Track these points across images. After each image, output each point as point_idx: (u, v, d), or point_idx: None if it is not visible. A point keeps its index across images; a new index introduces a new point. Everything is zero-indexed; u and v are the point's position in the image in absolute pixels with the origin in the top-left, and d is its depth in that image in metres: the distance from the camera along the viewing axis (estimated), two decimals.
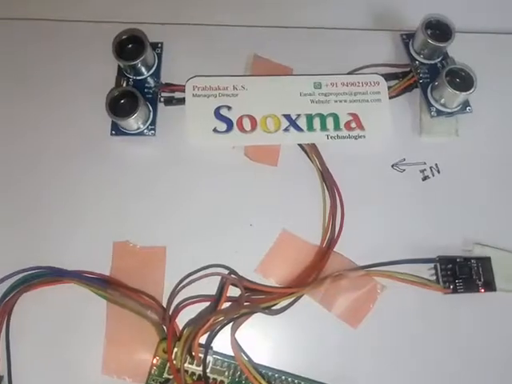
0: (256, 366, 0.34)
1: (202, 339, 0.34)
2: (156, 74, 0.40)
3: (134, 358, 0.34)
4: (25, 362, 0.34)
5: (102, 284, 0.35)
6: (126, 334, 0.35)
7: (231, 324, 0.34)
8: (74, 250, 0.36)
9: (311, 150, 0.39)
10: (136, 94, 0.37)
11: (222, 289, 0.34)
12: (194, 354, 0.32)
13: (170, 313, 0.34)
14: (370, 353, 0.35)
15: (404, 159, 0.39)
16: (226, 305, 0.35)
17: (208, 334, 0.34)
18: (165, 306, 0.35)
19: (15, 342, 0.34)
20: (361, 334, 0.36)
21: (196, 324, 0.33)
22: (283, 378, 0.34)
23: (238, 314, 0.33)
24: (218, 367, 0.33)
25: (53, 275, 0.35)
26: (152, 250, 0.37)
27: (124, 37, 0.38)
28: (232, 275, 0.35)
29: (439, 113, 0.39)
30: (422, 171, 0.39)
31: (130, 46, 0.38)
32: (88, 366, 0.34)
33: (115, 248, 0.37)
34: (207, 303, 0.35)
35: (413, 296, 0.36)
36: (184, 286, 0.35)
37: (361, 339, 0.36)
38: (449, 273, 0.36)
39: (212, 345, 0.34)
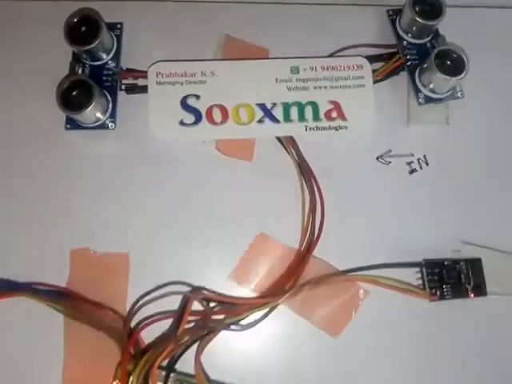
0: None
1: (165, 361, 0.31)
2: (115, 59, 0.35)
3: (96, 377, 0.31)
4: None
5: (58, 297, 0.32)
6: (87, 351, 0.32)
7: (198, 343, 0.31)
8: (26, 258, 0.33)
9: (289, 143, 0.35)
10: (90, 83, 0.33)
11: (183, 309, 0.31)
12: (151, 382, 0.29)
13: (129, 330, 0.31)
14: (352, 364, 0.33)
15: (390, 151, 0.36)
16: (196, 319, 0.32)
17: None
18: (124, 321, 0.32)
19: None
20: (342, 343, 0.33)
21: (155, 349, 0.30)
22: None
23: (202, 333, 0.30)
24: None
25: (4, 288, 0.32)
26: (114, 257, 0.34)
27: (75, 19, 0.33)
28: (194, 292, 0.32)
29: (428, 99, 0.36)
30: (409, 164, 0.36)
31: (84, 28, 0.34)
32: None
33: (72, 256, 0.33)
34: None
35: (398, 302, 0.33)
36: (144, 304, 0.32)
37: (342, 349, 0.33)
38: (435, 277, 0.33)
39: (176, 366, 0.31)
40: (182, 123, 0.34)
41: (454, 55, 0.35)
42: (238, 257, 0.34)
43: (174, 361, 0.31)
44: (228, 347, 0.32)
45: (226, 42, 0.36)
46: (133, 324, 0.32)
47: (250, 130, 0.35)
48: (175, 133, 0.34)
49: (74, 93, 0.33)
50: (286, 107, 0.35)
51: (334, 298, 0.34)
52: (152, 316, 0.32)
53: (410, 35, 0.37)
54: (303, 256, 0.34)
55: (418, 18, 0.35)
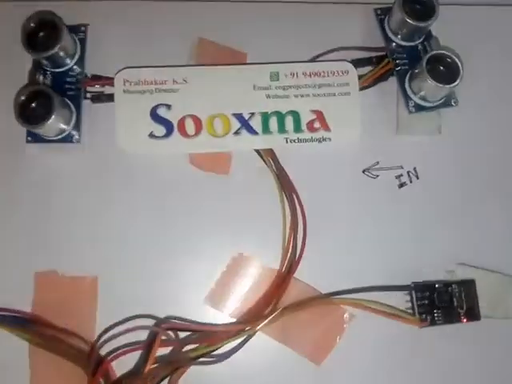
0: None
1: None
2: (80, 64, 0.33)
3: None
4: None
5: (22, 323, 0.30)
6: (54, 380, 0.30)
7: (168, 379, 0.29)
8: None
9: (268, 156, 0.33)
10: (49, 93, 0.30)
11: (150, 344, 0.29)
12: None
13: (96, 364, 0.29)
14: None
15: (377, 163, 0.34)
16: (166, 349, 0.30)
17: None
18: (90, 353, 0.30)
19: None
20: (326, 371, 0.31)
21: None
22: None
23: (172, 369, 0.28)
24: None
25: None
26: (82, 281, 0.31)
27: (33, 24, 0.31)
28: (162, 324, 0.30)
29: (418, 108, 0.33)
30: (399, 177, 0.34)
31: (43, 32, 0.31)
32: None
33: (37, 279, 0.31)
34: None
35: (385, 328, 0.31)
36: (108, 339, 0.30)
37: (326, 377, 0.31)
38: (426, 302, 0.31)
39: None
40: (152, 136, 0.32)
41: (448, 60, 0.32)
42: (214, 279, 0.32)
43: None
44: (201, 381, 0.30)
45: (200, 45, 0.34)
46: (103, 352, 0.30)
47: (225, 142, 0.32)
48: (145, 146, 0.32)
49: (34, 104, 0.31)
50: (265, 117, 0.32)
51: (317, 323, 0.32)
52: (122, 347, 0.30)
53: (399, 37, 0.34)
54: (284, 278, 0.32)
55: (408, 19, 0.32)
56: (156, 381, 0.28)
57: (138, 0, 0.34)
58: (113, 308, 0.31)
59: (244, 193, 0.33)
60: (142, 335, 0.30)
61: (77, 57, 0.33)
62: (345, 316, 0.32)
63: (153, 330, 0.29)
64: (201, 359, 0.29)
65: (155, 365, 0.28)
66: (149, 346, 0.29)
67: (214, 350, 0.30)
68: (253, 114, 0.32)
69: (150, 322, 0.31)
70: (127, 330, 0.30)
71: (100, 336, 0.30)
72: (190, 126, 0.32)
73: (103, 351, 0.30)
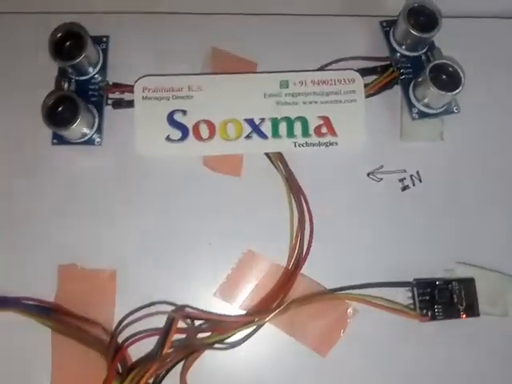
0: None
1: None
2: (102, 73, 0.35)
3: None
4: None
5: (46, 312, 0.32)
6: (74, 366, 0.32)
7: (183, 362, 0.31)
8: (15, 274, 0.33)
9: (277, 159, 0.35)
10: (75, 99, 0.32)
11: (168, 328, 0.31)
12: None
13: (115, 348, 0.31)
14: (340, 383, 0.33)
15: (381, 166, 0.35)
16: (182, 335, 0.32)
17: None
18: (110, 338, 0.32)
19: None
20: (330, 363, 0.33)
21: (140, 368, 0.30)
22: None
23: (187, 353, 0.30)
24: None
25: None
26: (101, 273, 0.33)
27: (60, 34, 0.33)
28: (179, 311, 0.32)
29: (422, 114, 0.35)
30: (402, 180, 0.35)
31: (69, 42, 0.34)
32: None
33: (60, 272, 0.33)
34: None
35: (387, 322, 0.33)
36: (129, 323, 0.32)
37: (330, 369, 0.33)
38: (427, 298, 0.33)
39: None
40: (168, 139, 0.34)
41: (450, 69, 0.34)
42: (225, 274, 0.33)
43: (159, 380, 0.31)
44: (214, 366, 0.32)
45: (214, 55, 0.36)
46: (120, 340, 0.32)
47: (237, 145, 0.34)
48: (162, 149, 0.34)
49: (60, 108, 0.33)
50: (275, 123, 0.34)
51: (321, 317, 0.33)
52: (138, 333, 0.32)
53: (404, 47, 0.36)
54: (291, 274, 0.33)
55: (412, 31, 0.34)
56: (172, 364, 0.30)
57: (156, 13, 0.36)
58: (130, 299, 0.33)
59: (254, 194, 0.35)
60: (157, 323, 0.32)
61: (99, 66, 0.35)
62: (348, 311, 0.33)
63: (170, 316, 0.31)
64: (214, 346, 0.31)
65: (171, 349, 0.30)
66: (165, 332, 0.30)
67: (226, 338, 0.32)
68: (263, 119, 0.34)
69: (167, 309, 0.32)
70: (146, 315, 0.31)
71: (119, 323, 0.32)
72: (204, 131, 0.34)
73: (121, 338, 0.32)
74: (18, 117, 0.35)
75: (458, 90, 0.33)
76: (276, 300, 0.33)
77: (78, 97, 0.33)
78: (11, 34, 0.36)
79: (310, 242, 0.34)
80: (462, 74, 0.33)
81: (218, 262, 0.34)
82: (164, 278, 0.33)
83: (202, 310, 0.33)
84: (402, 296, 0.33)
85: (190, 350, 0.30)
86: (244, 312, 0.33)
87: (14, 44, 0.36)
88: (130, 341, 0.31)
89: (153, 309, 0.32)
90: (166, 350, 0.30)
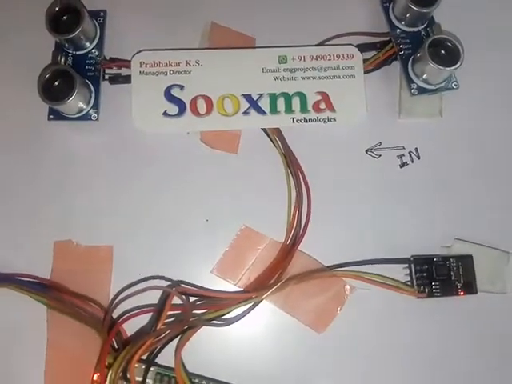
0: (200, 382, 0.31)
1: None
2: (98, 48, 0.35)
3: (79, 369, 0.31)
4: None
5: (42, 288, 0.32)
6: (70, 343, 0.32)
7: (178, 338, 0.30)
8: (10, 250, 0.33)
9: (275, 135, 0.34)
10: (72, 73, 0.32)
11: (163, 304, 0.30)
12: (129, 376, 0.29)
13: (110, 324, 0.31)
14: (336, 360, 0.32)
15: (380, 143, 0.35)
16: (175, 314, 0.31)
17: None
18: (104, 314, 0.32)
19: None
20: (326, 339, 0.33)
21: (133, 344, 0.30)
22: None
23: (182, 328, 0.30)
24: None
25: None
26: (97, 250, 0.33)
27: (57, 8, 0.33)
28: (174, 286, 0.32)
29: (421, 90, 0.34)
30: (400, 157, 0.35)
31: (66, 16, 0.33)
32: (29, 377, 0.32)
33: (56, 248, 0.33)
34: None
35: (384, 299, 0.33)
36: (124, 298, 0.32)
37: (327, 345, 0.33)
38: (424, 274, 0.32)
39: (157, 360, 0.31)
40: (165, 114, 0.34)
41: (449, 44, 0.33)
42: (222, 250, 0.33)
43: (154, 355, 0.31)
44: (210, 342, 0.32)
45: (212, 30, 0.35)
46: (115, 316, 0.32)
47: (235, 121, 0.34)
48: (159, 124, 0.34)
49: (57, 83, 0.33)
50: (273, 98, 0.34)
51: (319, 294, 0.33)
52: (133, 309, 0.32)
53: (403, 23, 0.35)
54: (288, 250, 0.33)
55: (412, 5, 0.34)
56: (166, 339, 0.30)
57: None
58: (126, 276, 0.33)
59: (252, 170, 0.34)
60: (152, 299, 0.32)
61: (96, 40, 0.35)
62: (346, 288, 0.33)
63: (165, 291, 0.31)
64: (211, 322, 0.31)
65: (165, 325, 0.30)
66: (160, 307, 0.30)
67: (223, 315, 0.31)
68: (261, 94, 0.34)
69: (162, 285, 0.32)
70: (141, 290, 0.31)
71: (114, 298, 0.32)
72: (201, 106, 0.34)
73: (117, 313, 0.32)
74: (14, 93, 0.35)
75: (456, 66, 0.33)
76: (273, 277, 0.33)
77: (74, 71, 0.32)
78: (10, 8, 0.35)
79: (307, 218, 0.34)
80: (461, 50, 0.33)
81: (215, 239, 0.33)
82: (160, 255, 0.33)
83: (198, 287, 0.32)
84: (399, 273, 0.33)
85: (185, 326, 0.30)
86: (241, 289, 0.33)
87: (13, 18, 0.35)
88: (125, 316, 0.31)
89: (147, 284, 0.32)
90: (160, 326, 0.30)
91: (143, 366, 0.30)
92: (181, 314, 0.31)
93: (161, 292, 0.32)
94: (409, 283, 0.33)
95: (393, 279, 0.33)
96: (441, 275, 0.32)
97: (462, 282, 0.33)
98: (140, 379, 0.30)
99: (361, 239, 0.34)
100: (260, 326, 0.33)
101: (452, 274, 0.33)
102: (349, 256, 0.33)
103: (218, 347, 0.32)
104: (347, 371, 0.32)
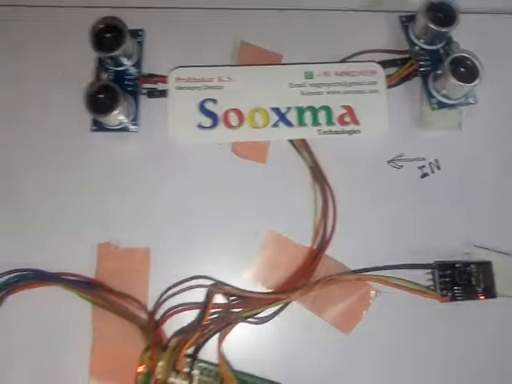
0: (242, 378, 0.32)
1: (189, 350, 0.33)
2: (137, 64, 0.37)
3: (122, 362, 0.33)
4: (11, 366, 0.33)
5: (87, 287, 0.34)
6: (113, 337, 0.34)
7: (218, 334, 0.32)
8: (59, 251, 0.35)
9: (302, 146, 0.36)
10: (115, 88, 0.34)
11: (207, 301, 0.33)
12: (179, 368, 0.31)
13: (156, 320, 0.33)
14: (362, 361, 0.34)
15: (402, 155, 0.37)
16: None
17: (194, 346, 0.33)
18: (151, 311, 0.34)
19: (0, 345, 0.33)
20: (353, 340, 0.34)
21: (182, 337, 0.32)
22: None
23: (223, 324, 0.32)
24: (204, 377, 0.32)
25: (37, 278, 0.34)
26: (135, 252, 0.35)
27: (101, 26, 0.35)
28: (217, 286, 0.34)
29: (441, 105, 0.36)
30: (421, 168, 0.37)
31: (108, 35, 0.36)
32: (74, 369, 0.33)
33: (99, 250, 0.35)
34: (194, 311, 0.34)
35: (408, 303, 0.34)
36: (170, 296, 0.34)
37: (353, 346, 0.34)
38: (447, 279, 0.34)
39: (199, 354, 0.33)
40: (199, 126, 0.36)
41: (468, 62, 0.35)
42: (253, 254, 0.35)
43: (197, 349, 0.33)
44: (244, 339, 0.34)
45: (242, 48, 0.38)
46: (160, 312, 0.34)
47: (264, 133, 0.36)
48: (193, 136, 0.36)
49: (101, 96, 0.35)
50: (300, 111, 0.36)
51: (345, 297, 0.34)
52: (176, 307, 0.34)
53: (422, 41, 0.37)
54: (315, 255, 0.35)
55: (431, 25, 0.36)
56: (210, 334, 0.32)
57: (188, 9, 0.39)
58: (163, 277, 0.34)
59: (279, 179, 0.36)
60: (191, 299, 0.34)
61: (135, 57, 0.37)
62: (371, 292, 0.35)
63: (209, 290, 0.33)
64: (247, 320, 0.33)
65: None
66: (204, 304, 0.33)
67: (257, 313, 0.33)
68: (289, 108, 0.36)
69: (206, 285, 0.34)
70: (187, 288, 0.34)
71: (161, 296, 0.34)
72: (233, 119, 0.36)
73: (161, 311, 0.34)
74: (61, 105, 0.37)
75: (475, 82, 0.35)
76: (301, 280, 0.34)
77: (117, 86, 0.35)
78: (54, 26, 0.38)
79: (333, 224, 0.35)
80: (479, 67, 0.35)
81: (246, 244, 0.35)
82: (195, 258, 0.35)
83: (232, 287, 0.34)
84: (422, 278, 0.35)
85: (225, 323, 0.32)
86: (271, 291, 0.35)
87: (57, 36, 0.38)
88: (171, 312, 0.33)
89: (192, 282, 0.34)
90: (205, 322, 0.32)
91: (188, 360, 0.32)
92: (221, 311, 0.33)
93: (200, 293, 0.34)
94: (432, 287, 0.34)
95: (416, 283, 0.34)
96: (462, 280, 0.34)
97: (482, 286, 0.34)
98: (187, 370, 0.32)
99: (385, 246, 0.35)
100: (289, 325, 0.34)
101: (473, 279, 0.34)
102: (373, 261, 0.35)
103: (251, 343, 0.34)
104: (371, 370, 0.34)
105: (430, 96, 0.36)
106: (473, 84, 0.35)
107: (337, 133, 0.36)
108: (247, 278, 0.35)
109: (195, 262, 0.35)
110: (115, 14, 0.36)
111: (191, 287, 0.34)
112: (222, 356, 0.32)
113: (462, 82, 0.35)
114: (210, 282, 0.34)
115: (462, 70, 0.36)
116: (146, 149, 0.37)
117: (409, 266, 0.35)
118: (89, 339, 0.33)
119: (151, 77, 0.37)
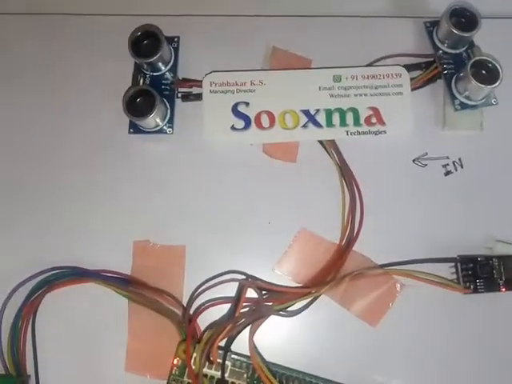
0: (273, 369, 0.34)
1: (221, 342, 0.34)
2: (173, 70, 0.39)
3: (156, 356, 0.35)
4: (51, 361, 0.35)
5: (124, 283, 0.36)
6: (148, 332, 0.36)
7: (249, 326, 0.34)
8: (96, 249, 0.37)
9: (330, 146, 0.38)
10: (153, 92, 0.36)
11: (239, 294, 0.34)
12: (212, 359, 0.33)
13: (190, 314, 0.35)
14: (388, 352, 0.36)
15: (426, 153, 0.38)
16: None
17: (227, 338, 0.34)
18: (185, 306, 0.36)
19: (41, 341, 0.35)
20: (380, 332, 0.36)
21: (215, 329, 0.34)
22: (301, 377, 0.34)
23: (255, 317, 0.34)
24: (236, 369, 0.34)
25: (76, 275, 0.36)
26: (171, 249, 0.37)
27: (139, 33, 0.37)
28: (249, 280, 0.36)
29: (463, 106, 0.38)
30: (445, 166, 0.38)
31: (145, 41, 0.38)
32: (111, 363, 0.35)
33: (135, 247, 0.37)
34: (226, 305, 0.35)
35: (432, 295, 0.36)
36: (203, 290, 0.36)
37: (379, 338, 0.36)
38: (469, 272, 0.36)
39: (231, 346, 0.35)
40: (233, 128, 0.38)
41: (489, 65, 0.37)
42: (283, 250, 0.37)
43: (230, 341, 0.35)
44: (275, 331, 0.36)
45: (273, 53, 0.40)
46: (195, 305, 0.36)
47: (295, 134, 0.38)
48: (227, 137, 0.38)
49: (138, 100, 0.37)
50: (329, 113, 0.38)
51: (372, 290, 0.36)
52: (209, 301, 0.35)
53: (446, 45, 0.39)
54: (343, 251, 0.37)
55: (454, 30, 0.37)
56: (242, 326, 0.34)
57: (221, 16, 0.40)
58: (197, 273, 0.36)
59: (309, 178, 0.38)
60: (224, 293, 0.36)
61: (171, 63, 0.39)
62: (397, 285, 0.36)
63: (241, 284, 0.35)
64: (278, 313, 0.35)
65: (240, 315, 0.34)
66: (237, 298, 0.34)
67: (287, 307, 0.35)
68: (318, 110, 0.38)
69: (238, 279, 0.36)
70: (220, 282, 0.35)
71: (195, 290, 0.36)
72: (265, 120, 0.38)
73: (194, 305, 0.36)
74: (99, 109, 0.39)
75: (496, 84, 0.36)
76: (330, 274, 0.36)
77: (154, 90, 0.37)
78: (94, 34, 0.40)
79: (360, 222, 0.37)
80: (500, 69, 0.36)
81: (276, 240, 0.37)
82: (227, 254, 0.37)
83: (264, 281, 0.36)
84: (446, 272, 0.36)
85: (257, 315, 0.34)
86: (300, 285, 0.36)
87: (95, 43, 0.40)
88: (205, 306, 0.35)
89: (225, 277, 0.36)
90: (237, 315, 0.34)
91: (220, 352, 0.34)
92: (253, 305, 0.35)
93: (232, 287, 0.35)
94: (455, 280, 0.36)
95: (440, 277, 0.36)
96: (484, 273, 0.35)
97: (503, 279, 0.36)
98: (220, 361, 0.33)
99: (410, 241, 0.37)
100: (319, 318, 0.36)
101: (494, 272, 0.36)
102: (399, 256, 0.36)
103: (282, 335, 0.36)
104: (397, 361, 0.36)
105: (453, 97, 0.38)
106: (493, 86, 0.36)
107: (364, 133, 0.38)
108: (278, 273, 0.37)
109: (228, 258, 0.37)
110: (152, 22, 0.38)
111: (224, 281, 0.35)
112: (253, 348, 0.34)
113: (483, 84, 0.36)
114: (242, 277, 0.36)
115: (484, 72, 0.37)
116: (181, 150, 0.38)
117: (433, 260, 0.36)
118: (125, 334, 0.35)
119: (186, 81, 0.39)
